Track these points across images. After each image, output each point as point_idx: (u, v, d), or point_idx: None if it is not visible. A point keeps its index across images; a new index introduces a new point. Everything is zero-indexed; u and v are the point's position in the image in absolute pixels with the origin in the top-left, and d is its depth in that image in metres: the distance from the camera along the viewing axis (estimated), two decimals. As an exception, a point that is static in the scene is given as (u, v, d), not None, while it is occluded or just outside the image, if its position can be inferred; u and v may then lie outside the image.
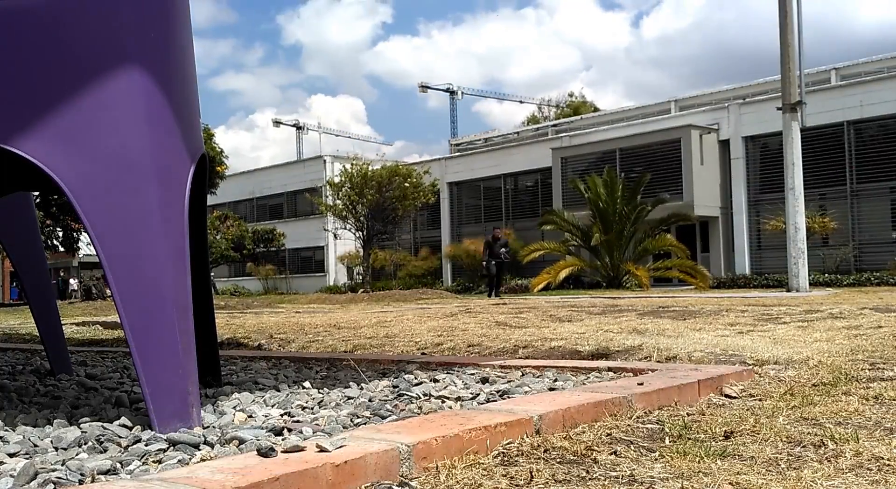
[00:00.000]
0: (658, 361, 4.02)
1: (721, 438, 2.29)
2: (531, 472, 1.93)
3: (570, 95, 57.58)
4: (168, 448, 2.11)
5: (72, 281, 41.55)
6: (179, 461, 1.98)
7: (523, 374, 3.58)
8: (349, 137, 73.17)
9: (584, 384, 3.23)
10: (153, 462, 1.99)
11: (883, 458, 2.00)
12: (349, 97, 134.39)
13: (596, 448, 2.19)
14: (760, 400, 2.95)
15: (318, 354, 4.85)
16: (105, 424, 2.39)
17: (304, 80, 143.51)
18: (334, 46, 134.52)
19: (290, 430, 2.30)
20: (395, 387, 3.21)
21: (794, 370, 3.62)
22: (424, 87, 69.78)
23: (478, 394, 2.95)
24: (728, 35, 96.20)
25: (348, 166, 28.26)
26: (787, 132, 15.48)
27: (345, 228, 28.77)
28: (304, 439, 2.14)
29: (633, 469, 1.97)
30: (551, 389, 3.07)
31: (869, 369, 3.59)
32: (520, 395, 2.92)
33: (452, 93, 69.05)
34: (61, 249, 30.78)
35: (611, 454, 2.13)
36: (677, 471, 1.94)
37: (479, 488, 1.83)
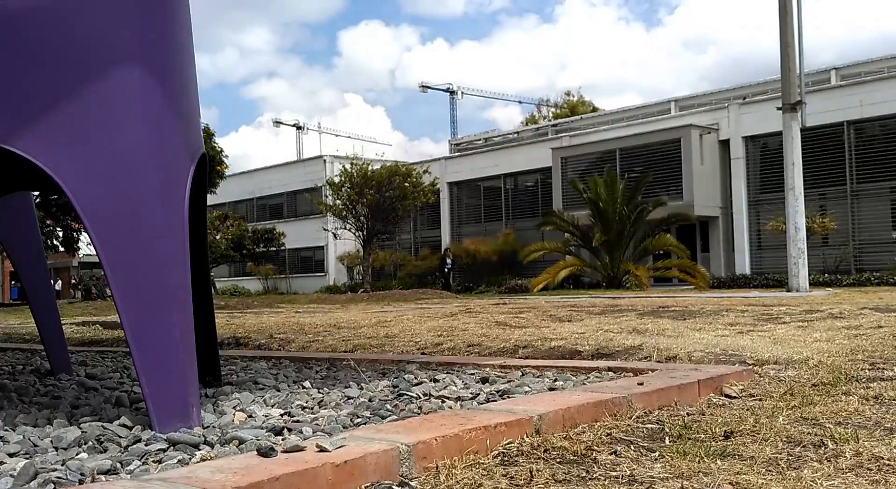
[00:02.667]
0: (658, 361, 4.02)
1: (721, 438, 2.29)
2: (531, 472, 1.93)
3: (567, 94, 57.41)
4: (168, 448, 2.11)
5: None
6: (179, 461, 1.98)
7: (523, 374, 3.58)
8: (349, 137, 72.96)
9: (584, 384, 3.23)
10: (153, 462, 1.99)
11: (883, 458, 2.00)
12: (380, 106, 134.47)
13: (596, 448, 2.19)
14: (760, 400, 2.95)
15: (318, 354, 4.85)
16: (105, 424, 2.39)
17: (337, 87, 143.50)
18: (370, 58, 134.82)
19: (290, 430, 2.30)
20: (395, 387, 3.21)
21: (794, 370, 3.62)
22: (424, 87, 69.74)
23: (478, 394, 2.95)
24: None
25: (348, 166, 28.24)
26: (787, 132, 15.49)
27: (345, 228, 28.75)
28: (304, 439, 2.14)
29: (633, 469, 1.97)
30: (551, 389, 3.07)
31: (869, 369, 3.59)
32: (520, 395, 2.92)
33: (452, 93, 69.00)
34: (61, 249, 30.76)
35: (611, 454, 2.13)
36: (677, 471, 1.94)
37: (479, 488, 1.83)
